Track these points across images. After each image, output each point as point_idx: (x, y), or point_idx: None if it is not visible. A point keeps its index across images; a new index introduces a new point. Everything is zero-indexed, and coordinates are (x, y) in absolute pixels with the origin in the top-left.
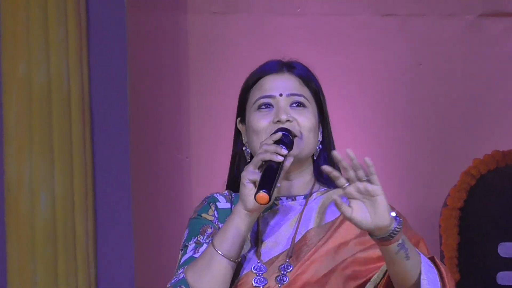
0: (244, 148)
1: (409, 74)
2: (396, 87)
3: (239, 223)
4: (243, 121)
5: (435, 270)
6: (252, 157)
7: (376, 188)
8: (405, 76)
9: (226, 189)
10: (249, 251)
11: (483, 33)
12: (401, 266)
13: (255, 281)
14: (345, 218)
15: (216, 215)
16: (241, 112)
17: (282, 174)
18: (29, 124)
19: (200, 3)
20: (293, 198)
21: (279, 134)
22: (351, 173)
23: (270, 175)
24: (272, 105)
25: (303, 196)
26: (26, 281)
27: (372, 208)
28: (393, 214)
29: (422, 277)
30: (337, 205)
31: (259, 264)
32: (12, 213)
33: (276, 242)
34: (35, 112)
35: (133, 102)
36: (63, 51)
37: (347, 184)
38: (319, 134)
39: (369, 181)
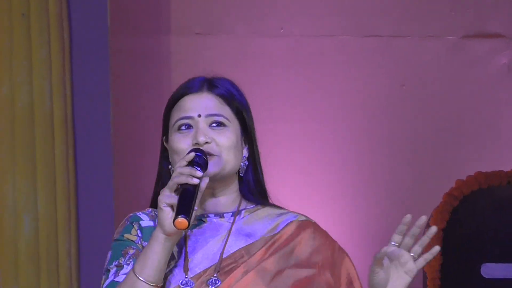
0: (169, 167)
1: (392, 95)
2: (378, 108)
3: (158, 248)
4: (167, 140)
5: None
6: None
7: (413, 269)
8: (388, 97)
9: (150, 207)
10: (176, 266)
11: (466, 54)
12: None
13: None
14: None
15: (140, 234)
16: (165, 131)
17: (199, 195)
18: (12, 145)
19: (183, 24)
20: (221, 215)
21: (192, 154)
22: (409, 241)
23: (187, 199)
24: (192, 126)
25: (231, 213)
26: None
27: (394, 277)
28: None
29: None
30: (381, 253)
31: (186, 279)
32: None
33: (203, 258)
34: (18, 133)
35: (116, 123)
36: (46, 72)
37: (393, 243)
38: (244, 150)
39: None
